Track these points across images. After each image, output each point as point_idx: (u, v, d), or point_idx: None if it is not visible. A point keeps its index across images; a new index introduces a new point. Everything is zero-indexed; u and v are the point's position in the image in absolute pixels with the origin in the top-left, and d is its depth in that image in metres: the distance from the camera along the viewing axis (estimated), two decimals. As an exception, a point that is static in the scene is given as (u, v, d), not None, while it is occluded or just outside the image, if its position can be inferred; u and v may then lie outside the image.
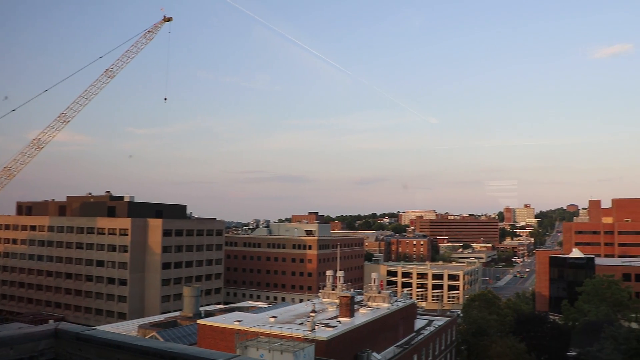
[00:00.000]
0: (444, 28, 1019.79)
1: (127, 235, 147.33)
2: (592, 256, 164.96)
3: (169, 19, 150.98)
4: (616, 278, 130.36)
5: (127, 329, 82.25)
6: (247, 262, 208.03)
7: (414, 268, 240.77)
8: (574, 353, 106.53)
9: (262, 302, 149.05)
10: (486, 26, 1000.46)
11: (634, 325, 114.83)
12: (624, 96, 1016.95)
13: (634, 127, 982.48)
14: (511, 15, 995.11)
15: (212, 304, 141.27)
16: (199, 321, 67.73)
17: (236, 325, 60.54)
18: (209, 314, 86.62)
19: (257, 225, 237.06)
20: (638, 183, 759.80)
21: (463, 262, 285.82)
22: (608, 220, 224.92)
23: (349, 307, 68.17)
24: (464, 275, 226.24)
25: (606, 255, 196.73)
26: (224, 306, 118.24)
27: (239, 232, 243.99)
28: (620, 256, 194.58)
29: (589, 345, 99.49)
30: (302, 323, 63.09)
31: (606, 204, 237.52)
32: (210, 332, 62.61)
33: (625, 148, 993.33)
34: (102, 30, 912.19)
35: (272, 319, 64.90)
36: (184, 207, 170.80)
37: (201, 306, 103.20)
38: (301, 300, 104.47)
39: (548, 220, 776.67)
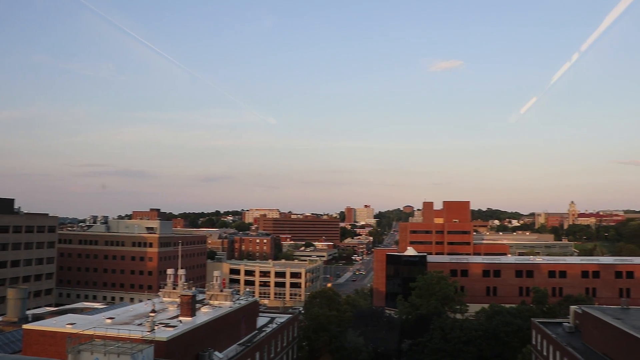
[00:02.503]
0: (293, 33, 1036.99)
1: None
2: (425, 254, 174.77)
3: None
4: (445, 274, 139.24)
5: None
6: (83, 260, 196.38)
7: (257, 266, 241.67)
8: (407, 344, 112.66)
9: (99, 302, 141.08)
10: (334, 34, 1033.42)
11: (458, 316, 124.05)
12: (456, 107, 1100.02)
13: (462, 136, 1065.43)
14: (356, 26, 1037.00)
15: (42, 306, 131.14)
16: (25, 326, 62.06)
17: (68, 329, 56.48)
18: (38, 318, 79.96)
19: (94, 222, 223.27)
20: (465, 187, 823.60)
21: (305, 260, 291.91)
22: (439, 221, 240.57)
23: (190, 306, 66.51)
24: (306, 273, 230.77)
25: (437, 253, 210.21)
26: (56, 308, 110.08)
27: (75, 228, 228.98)
28: (449, 254, 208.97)
29: (420, 336, 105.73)
30: (141, 324, 60.51)
31: (438, 205, 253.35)
32: (38, 338, 57.74)
33: (455, 155, 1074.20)
34: None
35: (109, 321, 61.50)
36: (11, 201, 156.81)
37: (29, 309, 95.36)
38: (141, 300, 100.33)
39: (386, 220, 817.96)
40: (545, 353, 78.47)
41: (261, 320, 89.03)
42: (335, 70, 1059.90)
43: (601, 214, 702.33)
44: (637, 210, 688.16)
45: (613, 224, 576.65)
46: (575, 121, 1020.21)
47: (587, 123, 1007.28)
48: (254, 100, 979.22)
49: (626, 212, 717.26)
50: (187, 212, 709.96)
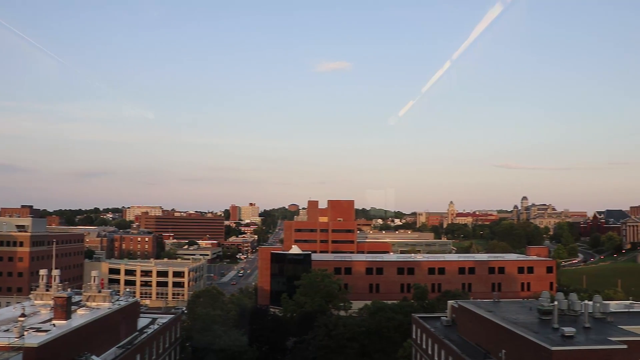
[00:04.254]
0: (178, 28, 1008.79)
1: None
2: (310, 252, 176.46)
3: None
4: (329, 272, 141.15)
5: None
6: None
7: (138, 265, 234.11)
8: (292, 342, 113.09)
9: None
10: (221, 30, 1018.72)
11: (342, 313, 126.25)
12: (341, 107, 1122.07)
13: (347, 136, 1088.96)
14: (242, 23, 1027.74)
15: None
16: None
17: None
18: None
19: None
20: (350, 186, 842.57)
21: (188, 259, 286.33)
22: (324, 219, 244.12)
23: (64, 309, 62.88)
24: (189, 272, 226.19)
25: (321, 251, 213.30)
26: None
27: None
28: (333, 252, 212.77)
29: (305, 334, 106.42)
30: (8, 329, 56.18)
31: (323, 204, 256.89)
32: None
33: (340, 155, 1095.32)
34: None
35: (-29, 327, 56.75)
36: None
37: None
38: (9, 304, 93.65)
39: (271, 219, 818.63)
40: (424, 346, 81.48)
41: (142, 321, 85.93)
42: (221, 67, 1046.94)
43: (477, 213, 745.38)
44: (509, 210, 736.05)
45: (488, 223, 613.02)
46: (451, 125, 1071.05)
47: (463, 127, 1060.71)
48: (134, 95, 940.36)
49: (499, 212, 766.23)
50: (63, 209, 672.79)
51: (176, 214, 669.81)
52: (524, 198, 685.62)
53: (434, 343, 76.47)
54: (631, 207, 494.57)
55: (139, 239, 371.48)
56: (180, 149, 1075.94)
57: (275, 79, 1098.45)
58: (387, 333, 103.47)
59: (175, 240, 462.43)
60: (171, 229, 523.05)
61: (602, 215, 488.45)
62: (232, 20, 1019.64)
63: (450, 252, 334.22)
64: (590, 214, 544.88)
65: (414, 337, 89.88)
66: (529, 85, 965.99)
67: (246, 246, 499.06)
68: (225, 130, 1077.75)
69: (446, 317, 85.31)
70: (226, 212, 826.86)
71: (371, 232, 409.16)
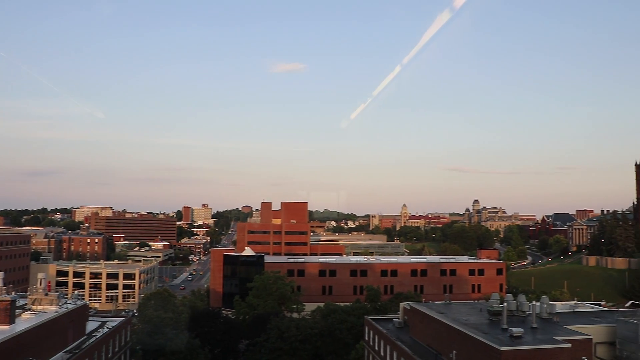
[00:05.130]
0: (128, 25, 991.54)
1: None
2: (263, 254, 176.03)
3: None
4: (282, 274, 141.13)
5: None
6: None
7: (88, 267, 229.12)
8: (244, 344, 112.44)
9: None
10: (174, 29, 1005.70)
11: (295, 315, 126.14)
12: (295, 109, 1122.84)
13: (301, 139, 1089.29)
14: (197, 21, 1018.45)
15: None
16: None
17: None
18: None
19: None
20: (303, 188, 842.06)
21: (139, 261, 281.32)
22: (277, 221, 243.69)
23: (8, 313, 61.02)
24: (140, 274, 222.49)
25: (275, 253, 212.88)
26: None
27: None
28: (286, 254, 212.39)
29: (257, 336, 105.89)
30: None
31: (277, 206, 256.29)
32: None
33: (293, 157, 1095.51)
34: None
35: None
36: None
37: None
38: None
39: (224, 220, 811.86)
40: (377, 348, 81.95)
41: (91, 325, 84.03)
42: (174, 67, 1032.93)
43: (430, 216, 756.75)
44: (461, 213, 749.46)
45: (440, 225, 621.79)
46: (403, 128, 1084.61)
47: (415, 131, 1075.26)
48: (83, 93, 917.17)
49: (451, 214, 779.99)
50: (8, 209, 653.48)
51: (127, 215, 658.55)
52: (476, 201, 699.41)
53: (386, 345, 77.00)
54: (577, 211, 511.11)
55: (88, 240, 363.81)
56: (132, 148, 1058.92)
57: (230, 79, 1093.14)
58: (340, 335, 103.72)
59: (126, 242, 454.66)
60: (122, 230, 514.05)
61: (550, 219, 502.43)
62: (186, 19, 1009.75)
63: (402, 255, 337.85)
64: (539, 218, 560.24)
65: (366, 338, 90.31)
66: (480, 90, 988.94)
67: (199, 248, 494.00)
68: (178, 131, 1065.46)
69: (398, 318, 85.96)
70: (179, 213, 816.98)
71: (324, 234, 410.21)
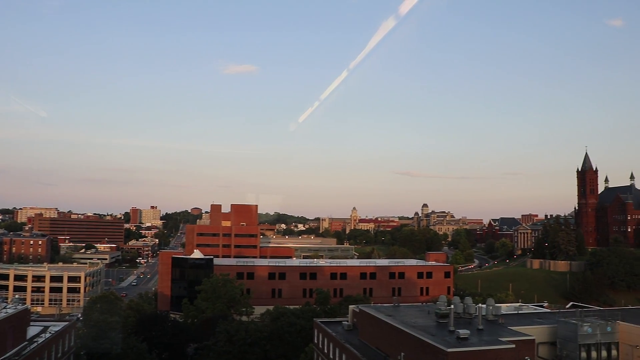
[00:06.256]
0: (79, 21, 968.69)
1: None
2: (212, 257, 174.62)
3: None
4: (231, 277, 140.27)
5: None
6: None
7: (30, 270, 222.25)
8: (192, 348, 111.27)
9: None
10: (124, 28, 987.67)
11: (244, 318, 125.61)
12: (245, 111, 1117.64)
13: (251, 141, 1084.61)
14: (148, 20, 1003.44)
15: None
16: None
17: None
18: None
19: None
20: (253, 191, 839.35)
21: (85, 263, 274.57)
22: (227, 224, 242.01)
23: (-54, 317, 58.71)
24: (85, 277, 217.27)
25: (224, 256, 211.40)
26: None
27: None
28: (236, 256, 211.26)
29: (206, 340, 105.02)
30: None
31: (226, 208, 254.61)
32: None
33: (243, 159, 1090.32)
34: None
35: None
36: None
37: None
38: None
39: (173, 222, 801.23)
40: (326, 351, 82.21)
41: (33, 330, 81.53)
42: (122, 66, 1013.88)
43: (379, 219, 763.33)
44: (410, 217, 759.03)
45: (389, 229, 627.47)
46: (351, 132, 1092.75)
47: (364, 135, 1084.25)
48: (24, 91, 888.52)
49: (400, 218, 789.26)
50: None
51: (73, 216, 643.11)
52: (425, 205, 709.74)
53: (335, 347, 77.31)
54: (522, 215, 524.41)
55: (31, 242, 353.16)
56: (78, 148, 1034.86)
57: (181, 80, 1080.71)
58: (289, 338, 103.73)
59: (71, 244, 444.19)
60: (67, 232, 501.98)
61: (497, 223, 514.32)
62: (137, 18, 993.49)
63: (352, 258, 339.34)
64: (486, 222, 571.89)
65: (315, 341, 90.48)
66: (427, 96, 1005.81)
67: (147, 250, 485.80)
68: (127, 131, 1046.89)
69: (347, 321, 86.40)
70: (126, 215, 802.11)
71: (274, 237, 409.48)
